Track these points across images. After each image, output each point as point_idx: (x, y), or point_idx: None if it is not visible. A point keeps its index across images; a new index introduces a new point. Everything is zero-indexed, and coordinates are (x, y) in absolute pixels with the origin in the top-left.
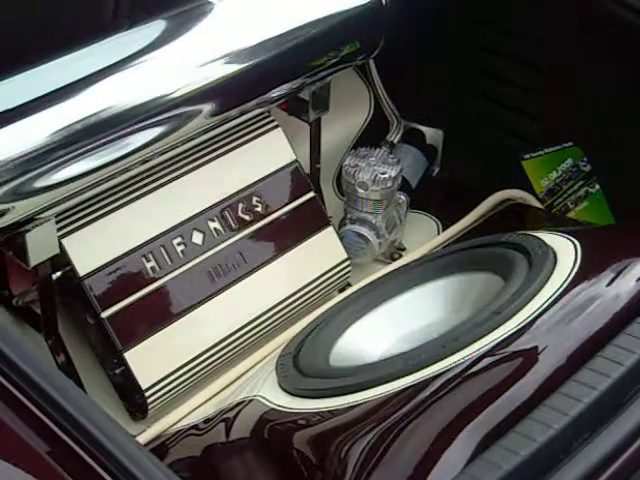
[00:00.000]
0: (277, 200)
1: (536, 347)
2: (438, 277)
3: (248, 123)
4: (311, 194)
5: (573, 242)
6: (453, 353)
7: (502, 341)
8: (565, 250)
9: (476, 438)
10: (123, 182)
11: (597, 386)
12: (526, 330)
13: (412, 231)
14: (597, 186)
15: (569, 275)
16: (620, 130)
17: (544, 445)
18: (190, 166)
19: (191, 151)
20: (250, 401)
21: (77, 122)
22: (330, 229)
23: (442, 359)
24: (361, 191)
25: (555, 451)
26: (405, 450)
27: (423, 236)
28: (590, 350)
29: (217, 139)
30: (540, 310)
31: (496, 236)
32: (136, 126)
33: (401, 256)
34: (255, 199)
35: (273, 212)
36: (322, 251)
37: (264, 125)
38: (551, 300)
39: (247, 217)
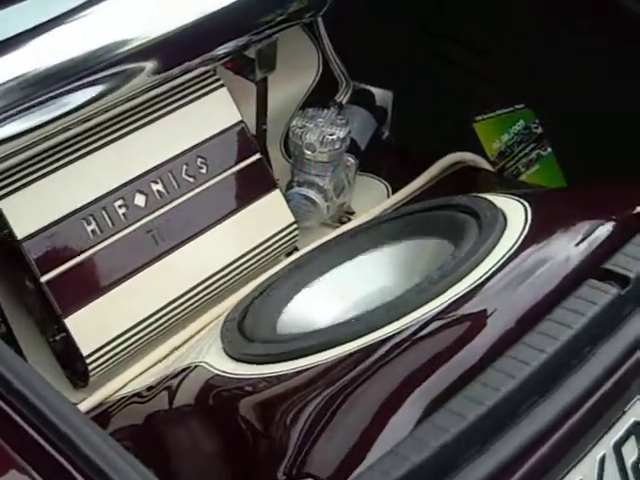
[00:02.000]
0: (222, 162)
1: (484, 311)
2: (388, 242)
3: (192, 82)
4: (257, 156)
5: (523, 205)
6: (400, 317)
7: (449, 305)
8: (515, 213)
9: (424, 402)
10: (62, 142)
11: (545, 349)
12: (474, 294)
13: (361, 194)
14: (549, 149)
15: (519, 238)
16: (572, 92)
17: (491, 408)
18: (132, 126)
19: (133, 111)
20: (194, 367)
21: (12, 80)
22: (277, 192)
23: (389, 323)
24: (309, 153)
25: (502, 414)
26: (351, 416)
27: (372, 199)
28: (539, 313)
29: (160, 98)
30: (489, 274)
31: (446, 199)
32: (75, 84)
33: (350, 220)
34: (199, 161)
35: (218, 174)
36: (269, 214)
37: (209, 84)
38: (500, 263)
39: (191, 179)
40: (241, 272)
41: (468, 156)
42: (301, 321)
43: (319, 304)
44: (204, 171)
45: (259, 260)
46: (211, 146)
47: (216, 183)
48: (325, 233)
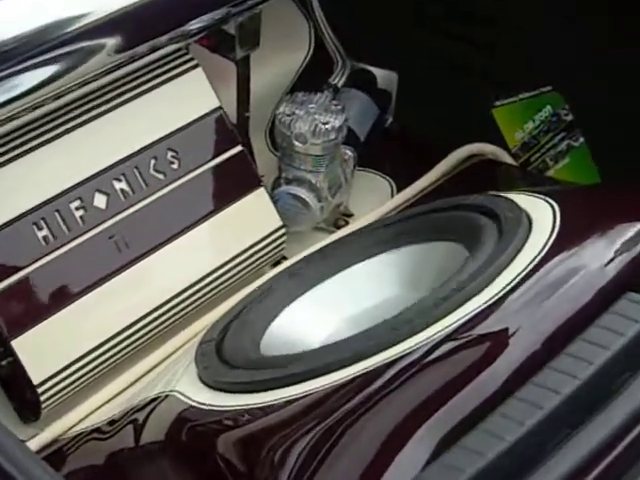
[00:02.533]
0: (197, 156)
1: (506, 329)
2: (391, 248)
3: (161, 62)
4: (238, 148)
5: (551, 204)
6: (407, 337)
7: (465, 323)
8: (542, 214)
9: (435, 437)
10: (8, 134)
11: (578, 374)
12: (494, 309)
13: (361, 193)
14: (581, 139)
15: (546, 243)
16: (608, 71)
17: (514, 445)
18: (91, 114)
19: (91, 96)
20: (165, 397)
21: None
22: (261, 191)
23: (394, 344)
24: (299, 145)
25: (528, 452)
26: (350, 453)
27: (374, 199)
28: (570, 332)
29: (123, 82)
30: (511, 285)
31: (460, 198)
32: (23, 65)
33: (347, 223)
34: (170, 154)
35: (192, 170)
36: (252, 217)
37: (181, 64)
38: (524, 274)
39: (160, 176)
40: (219, 285)
41: (486, 148)
42: (290, 342)
43: (311, 321)
44: (176, 166)
45: (241, 271)
46: (184, 137)
47: (190, 181)
48: (318, 239)
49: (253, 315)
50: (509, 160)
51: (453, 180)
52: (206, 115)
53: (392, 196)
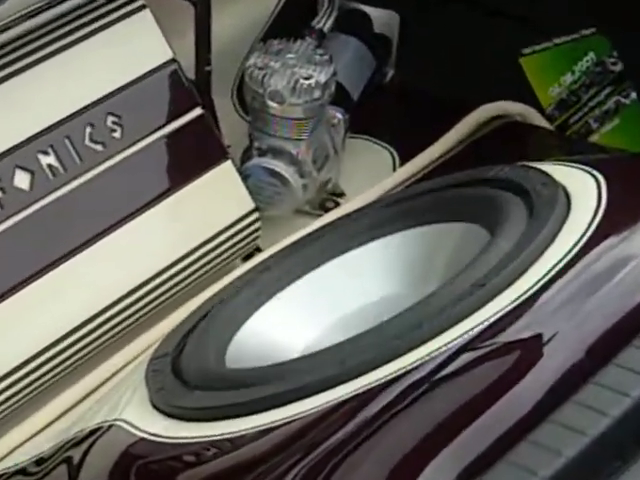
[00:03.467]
0: (144, 122)
1: (539, 336)
2: (392, 231)
3: (97, 3)
4: (197, 112)
5: (595, 177)
6: (414, 347)
7: (488, 327)
8: (583, 189)
9: (452, 472)
10: None
11: (630, 392)
12: (525, 311)
13: (354, 167)
14: (632, 95)
15: (589, 226)
16: None
17: None
18: (9, 69)
19: (9, 47)
20: (108, 428)
21: None
22: (228, 165)
23: (398, 357)
24: (274, 106)
25: None
26: None
27: (371, 174)
28: (619, 339)
29: (48, 28)
30: (545, 280)
31: (479, 171)
32: None
33: (337, 205)
34: (111, 120)
35: (138, 140)
36: (216, 199)
37: (123, 5)
38: (562, 264)
39: (99, 147)
40: (176, 286)
41: (512, 107)
42: (263, 354)
43: (290, 326)
44: (118, 135)
45: (203, 267)
46: (128, 98)
47: (136, 153)
48: (301, 225)
49: (219, 322)
50: (542, 123)
51: (471, 149)
52: (156, 70)
53: (394, 170)
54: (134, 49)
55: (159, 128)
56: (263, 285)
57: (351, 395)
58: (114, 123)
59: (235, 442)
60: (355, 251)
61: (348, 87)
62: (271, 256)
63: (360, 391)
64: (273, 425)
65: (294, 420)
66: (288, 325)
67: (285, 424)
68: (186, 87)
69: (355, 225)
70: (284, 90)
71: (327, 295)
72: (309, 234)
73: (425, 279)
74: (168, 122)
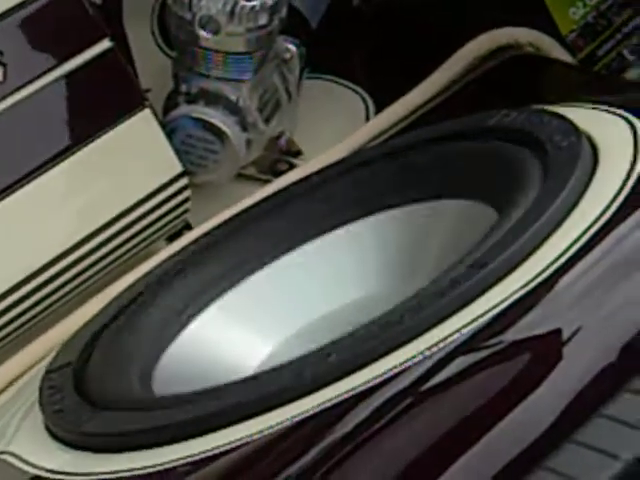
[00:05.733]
0: (35, 59)
1: (557, 332)
2: (367, 211)
3: None
4: (105, 45)
5: (632, 124)
6: (394, 349)
7: (491, 322)
8: (616, 140)
9: None
10: None
11: None
12: (538, 299)
13: (314, 117)
14: None
15: (621, 189)
16: None
17: None
18: None
19: None
20: None
21: None
22: (146, 114)
23: (371, 362)
24: (207, 36)
25: None
26: None
27: (337, 126)
28: None
29: None
30: (564, 260)
31: (480, 117)
32: None
33: (293, 167)
34: None
35: (28, 82)
36: (131, 160)
37: None
38: (585, 240)
39: None
40: (79, 275)
41: (522, 34)
42: (202, 369)
43: (239, 332)
44: (0, 77)
45: (114, 251)
46: (13, 28)
47: (23, 100)
48: (244, 194)
49: (137, 321)
50: (561, 55)
51: (467, 91)
52: None
53: (367, 119)
54: None
55: (53, 67)
56: (199, 277)
57: (312, 413)
58: None
59: (161, 478)
60: (319, 239)
61: (304, 10)
62: (206, 237)
63: (323, 407)
64: (211, 454)
65: (237, 447)
66: (238, 333)
67: (226, 452)
68: (89, 14)
69: (318, 201)
70: (219, 15)
71: (288, 295)
72: (256, 207)
73: (414, 275)
74: (65, 59)
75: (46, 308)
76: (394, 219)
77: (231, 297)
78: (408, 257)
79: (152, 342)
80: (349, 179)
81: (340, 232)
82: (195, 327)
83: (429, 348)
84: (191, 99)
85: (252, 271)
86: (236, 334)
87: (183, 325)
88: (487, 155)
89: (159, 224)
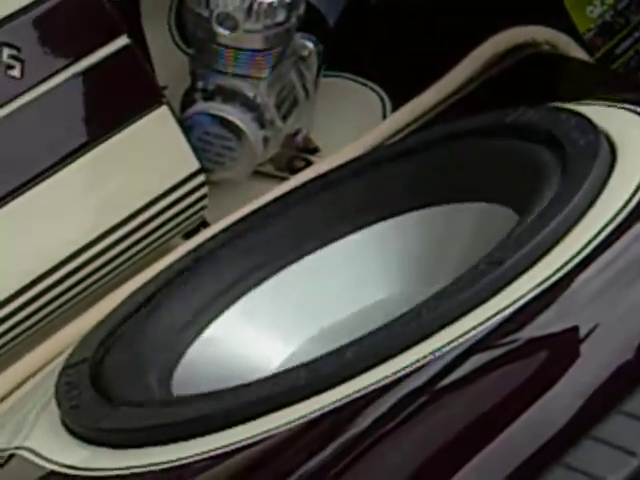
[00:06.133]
0: (52, 56)
1: (574, 329)
2: (385, 213)
3: None
4: (122, 41)
5: None
6: (410, 346)
7: (508, 319)
8: (633, 138)
9: None
10: None
11: None
12: (555, 297)
13: (331, 114)
14: None
15: (639, 188)
16: None
17: None
18: None
19: None
20: (8, 459)
21: None
22: (164, 111)
23: (386, 359)
24: (224, 33)
25: None
26: None
27: (354, 123)
28: None
29: None
30: (582, 257)
31: (497, 115)
32: None
33: (310, 164)
34: (8, 54)
35: (45, 79)
36: (148, 156)
37: None
38: (603, 237)
39: None
40: (97, 271)
41: (539, 33)
42: (226, 367)
43: (261, 334)
44: (17, 74)
45: (130, 248)
46: (29, 25)
47: (42, 97)
48: (261, 191)
49: (155, 319)
50: (578, 53)
51: (484, 89)
52: None
53: (384, 117)
54: None
55: (71, 64)
56: (216, 276)
57: (328, 409)
58: (13, 58)
59: (179, 473)
60: (342, 240)
61: (322, 8)
62: (224, 235)
63: (339, 404)
64: (228, 450)
65: (254, 443)
66: (259, 335)
67: (243, 448)
68: (107, 11)
69: (335, 200)
70: (237, 12)
71: (307, 297)
72: (273, 205)
73: (434, 278)
74: (82, 56)
75: (63, 304)
76: (415, 221)
77: (251, 298)
78: (430, 259)
79: (171, 341)
80: (366, 180)
81: (362, 234)
82: (215, 327)
83: (445, 345)
84: (208, 96)
85: (273, 271)
86: (257, 336)
87: (203, 325)
88: (505, 153)
89: (176, 221)
